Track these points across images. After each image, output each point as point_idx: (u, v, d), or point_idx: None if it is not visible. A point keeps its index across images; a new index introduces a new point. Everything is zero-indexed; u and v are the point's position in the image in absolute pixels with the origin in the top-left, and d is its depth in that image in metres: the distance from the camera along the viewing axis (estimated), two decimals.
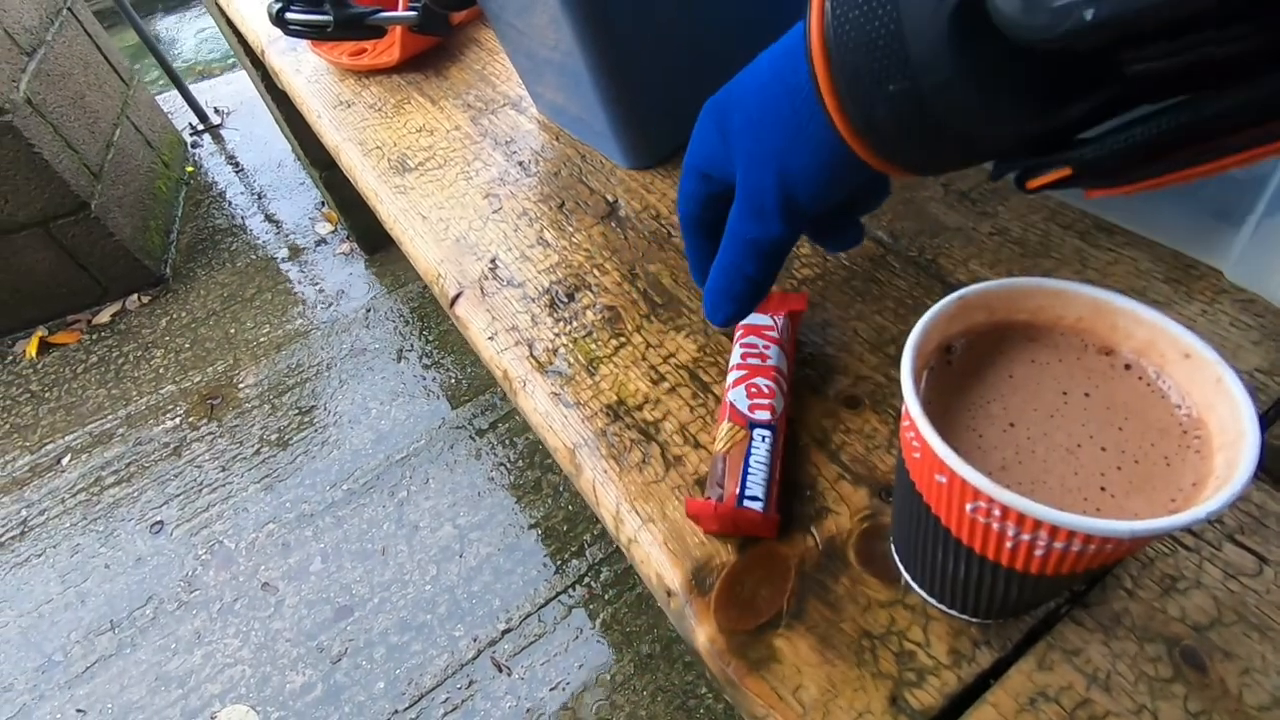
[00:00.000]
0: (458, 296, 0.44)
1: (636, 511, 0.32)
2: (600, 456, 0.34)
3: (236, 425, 1.45)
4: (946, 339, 0.23)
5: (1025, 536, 0.19)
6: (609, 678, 1.02)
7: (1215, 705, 0.24)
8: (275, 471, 1.35)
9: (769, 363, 0.33)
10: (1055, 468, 0.20)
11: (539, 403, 0.37)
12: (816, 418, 0.33)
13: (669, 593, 0.29)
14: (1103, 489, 0.20)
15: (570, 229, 0.46)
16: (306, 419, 1.44)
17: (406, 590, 1.15)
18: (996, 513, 0.19)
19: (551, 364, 0.38)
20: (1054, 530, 0.18)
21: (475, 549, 1.19)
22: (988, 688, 0.25)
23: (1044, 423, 0.21)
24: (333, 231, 1.89)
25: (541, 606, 1.11)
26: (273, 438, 1.41)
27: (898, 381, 0.34)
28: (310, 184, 2.05)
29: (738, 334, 0.35)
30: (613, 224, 0.46)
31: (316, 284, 1.75)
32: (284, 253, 1.86)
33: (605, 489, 0.33)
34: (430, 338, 1.56)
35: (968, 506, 0.20)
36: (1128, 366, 0.22)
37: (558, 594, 1.12)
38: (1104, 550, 0.19)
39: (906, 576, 0.27)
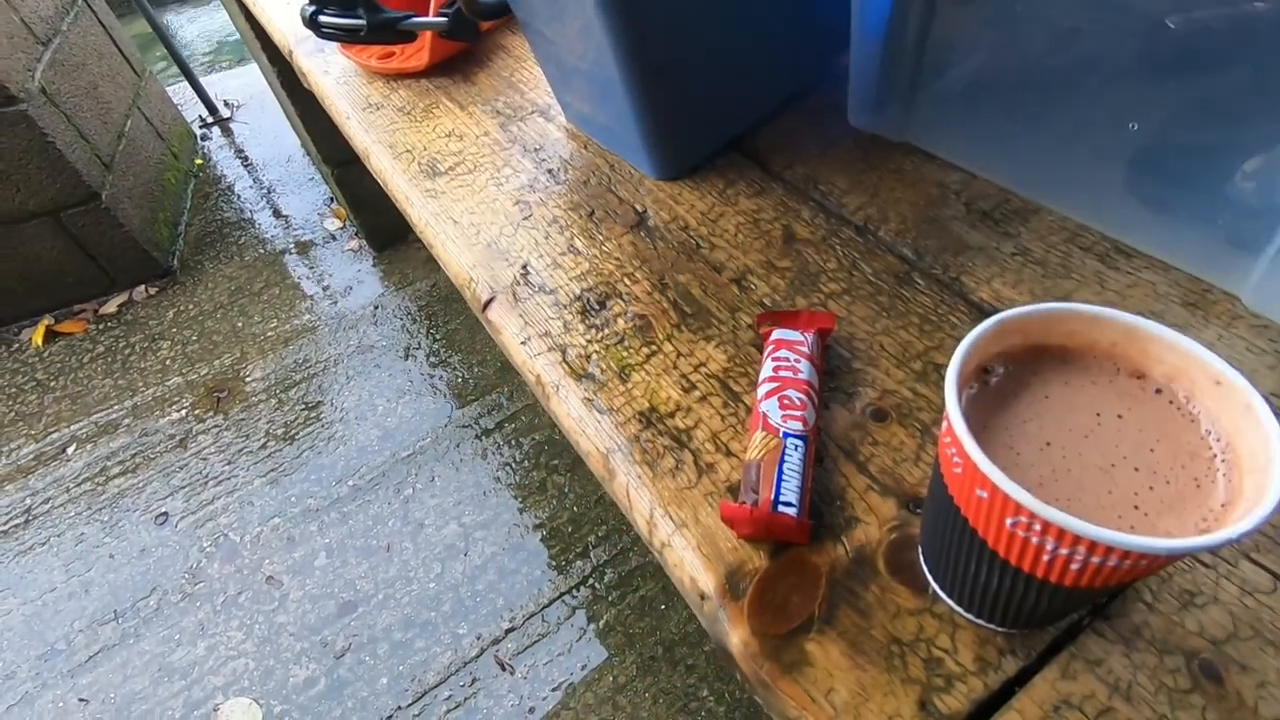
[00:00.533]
0: (490, 301, 0.45)
1: (670, 517, 0.33)
2: (633, 462, 0.35)
3: (243, 419, 1.46)
4: (986, 360, 0.24)
5: (1064, 551, 0.20)
6: (611, 679, 1.03)
7: (1232, 716, 0.25)
8: (281, 466, 1.36)
9: (800, 376, 0.34)
10: (1090, 486, 0.21)
11: (572, 408, 0.38)
12: (844, 430, 0.34)
13: (702, 596, 0.30)
14: (1136, 507, 0.21)
15: (600, 237, 0.47)
16: (313, 414, 1.44)
17: (411, 587, 1.16)
18: (1037, 527, 0.20)
19: (584, 370, 0.39)
20: (1093, 545, 0.19)
21: (480, 548, 1.20)
22: (1013, 695, 0.26)
23: (1079, 442, 0.22)
24: (341, 228, 1.90)
25: (545, 606, 1.11)
26: (279, 432, 1.42)
27: (924, 396, 0.35)
28: (319, 180, 2.06)
29: (769, 348, 0.36)
30: (642, 233, 0.47)
31: (324, 280, 1.76)
32: (292, 248, 1.87)
33: (639, 494, 0.34)
34: (438, 336, 1.57)
35: (1008, 521, 0.21)
36: (1159, 391, 0.23)
37: (561, 594, 1.13)
38: (1138, 566, 0.20)
39: (934, 586, 0.28)
